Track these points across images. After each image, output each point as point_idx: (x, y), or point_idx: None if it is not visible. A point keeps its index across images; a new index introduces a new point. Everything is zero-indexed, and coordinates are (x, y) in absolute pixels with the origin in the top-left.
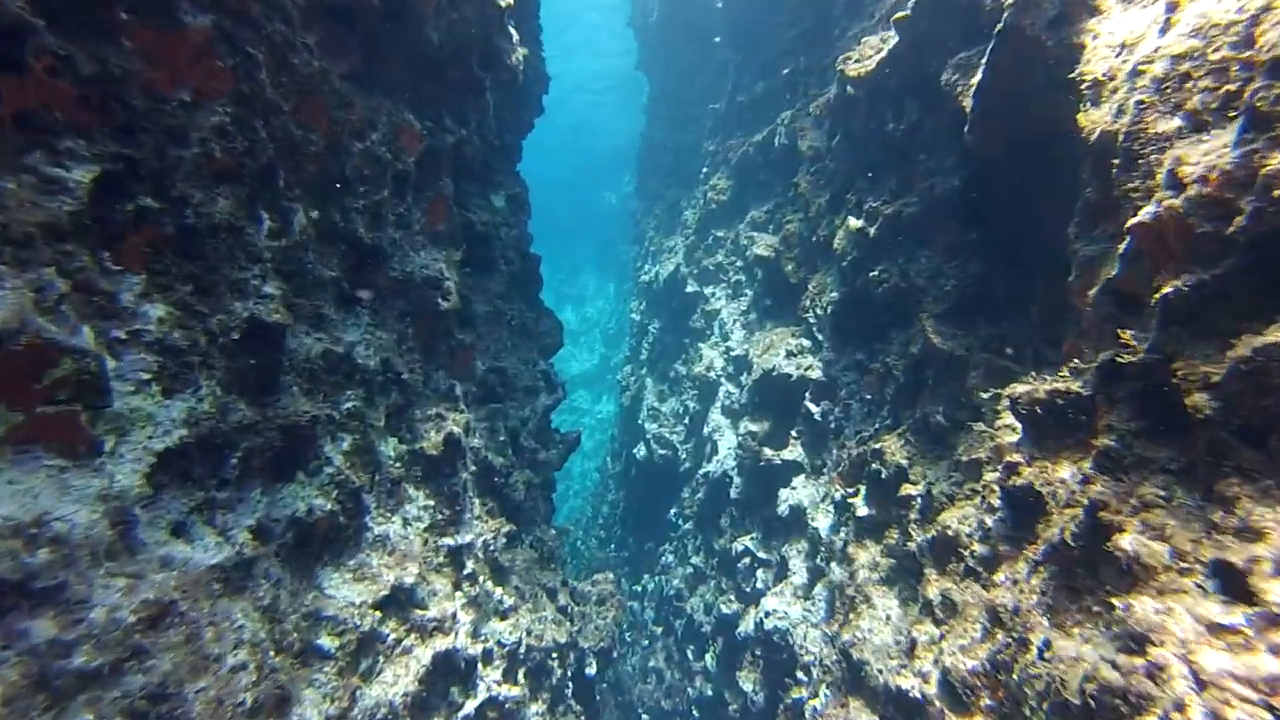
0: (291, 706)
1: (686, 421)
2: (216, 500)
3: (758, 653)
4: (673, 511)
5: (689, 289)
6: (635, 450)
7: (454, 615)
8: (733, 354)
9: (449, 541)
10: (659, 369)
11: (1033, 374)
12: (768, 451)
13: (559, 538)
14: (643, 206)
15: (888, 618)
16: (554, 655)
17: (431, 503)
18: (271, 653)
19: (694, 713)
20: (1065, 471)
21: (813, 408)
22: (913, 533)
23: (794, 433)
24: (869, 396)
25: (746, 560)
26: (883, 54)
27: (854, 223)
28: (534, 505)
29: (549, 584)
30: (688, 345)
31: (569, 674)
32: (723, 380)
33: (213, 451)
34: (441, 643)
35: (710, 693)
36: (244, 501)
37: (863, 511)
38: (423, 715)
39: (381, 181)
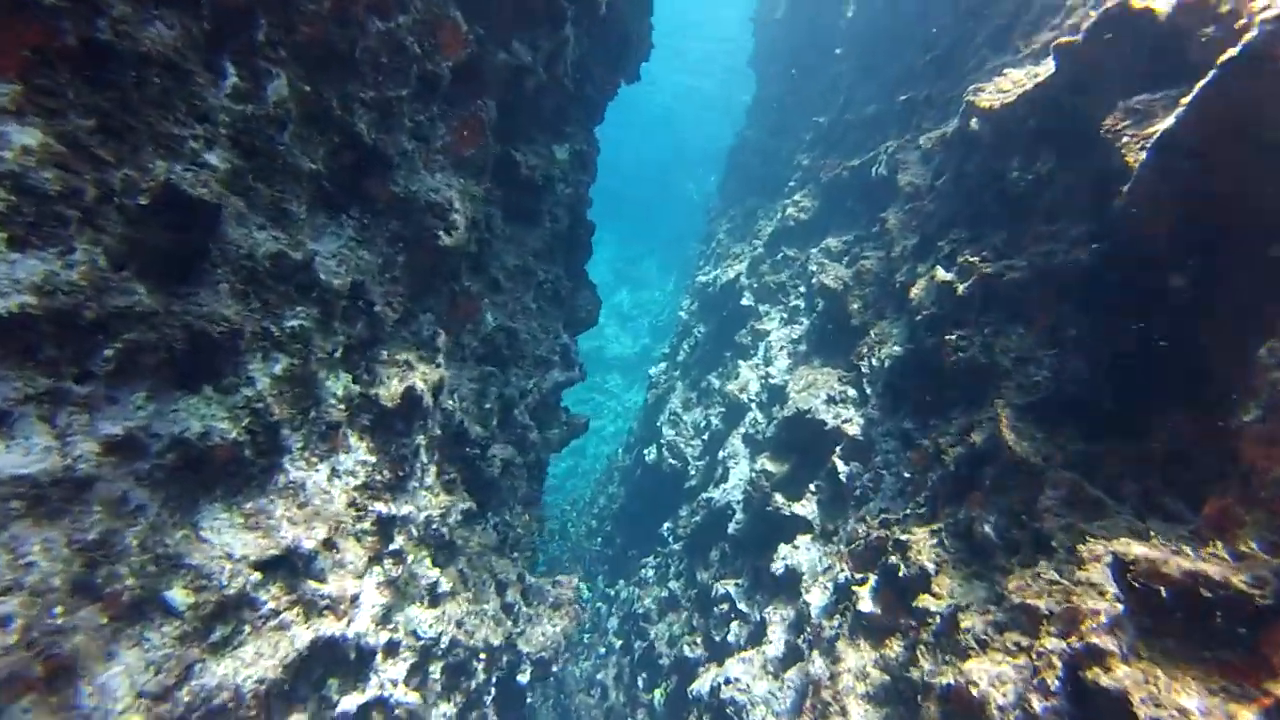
0: (77, 677)
1: (705, 437)
2: (69, 394)
3: (705, 719)
4: (666, 525)
5: (744, 301)
6: (646, 451)
7: (356, 597)
8: (771, 381)
9: (381, 508)
10: (692, 375)
11: (1153, 533)
12: (779, 498)
13: (532, 525)
14: (719, 206)
15: None
16: (481, 655)
17: (373, 459)
18: (59, 608)
19: None
20: (1191, 701)
21: (840, 466)
22: (921, 658)
23: (813, 486)
24: (907, 475)
25: (724, 607)
26: (1028, 88)
27: (942, 274)
28: (511, 485)
29: (503, 575)
30: (728, 359)
31: (493, 679)
32: (752, 406)
33: (76, 334)
34: (329, 626)
35: None
36: (115, 404)
37: (866, 606)
38: (281, 707)
39: (402, 77)
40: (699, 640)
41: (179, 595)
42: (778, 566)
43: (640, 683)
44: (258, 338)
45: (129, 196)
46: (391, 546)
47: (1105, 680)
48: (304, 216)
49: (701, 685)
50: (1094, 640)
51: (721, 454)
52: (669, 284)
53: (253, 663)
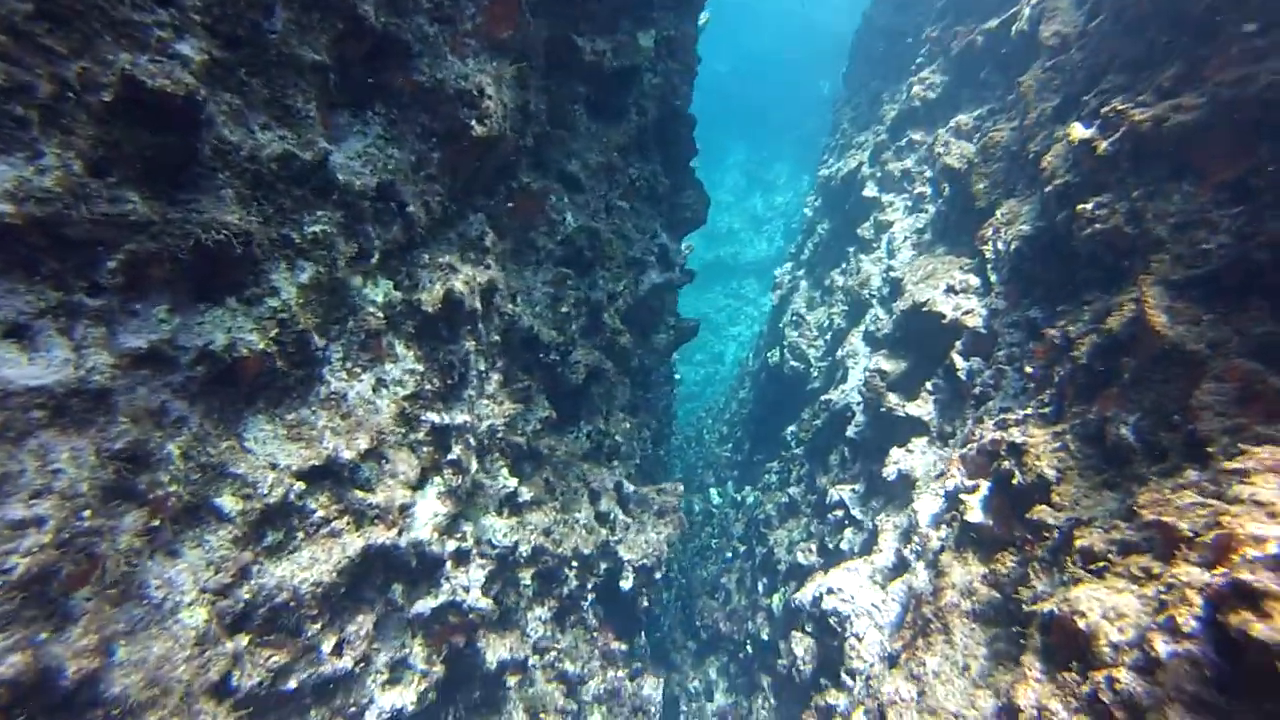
0: (140, 572)
1: (828, 337)
2: (83, 307)
3: (808, 629)
4: (789, 429)
5: (867, 193)
6: (770, 355)
7: (407, 506)
8: (892, 274)
9: (434, 418)
10: (816, 274)
11: None
12: (893, 398)
13: (634, 433)
14: (844, 95)
15: (965, 668)
16: (572, 564)
17: (421, 368)
18: (88, 512)
19: (747, 648)
20: None
21: (959, 362)
22: (1034, 577)
23: (929, 385)
24: (1030, 370)
25: (839, 513)
26: None
27: (1079, 131)
28: (607, 391)
29: (596, 484)
30: (851, 254)
31: (588, 586)
32: (874, 302)
33: (72, 246)
34: (379, 535)
35: (765, 637)
36: (137, 317)
37: (975, 516)
38: (349, 607)
39: None
40: (813, 547)
41: (229, 502)
42: (890, 472)
43: (760, 587)
44: (277, 245)
45: (91, 93)
46: (450, 456)
47: (1257, 630)
48: (313, 114)
49: (805, 595)
50: (1246, 576)
51: (840, 353)
52: (803, 185)
53: (309, 566)
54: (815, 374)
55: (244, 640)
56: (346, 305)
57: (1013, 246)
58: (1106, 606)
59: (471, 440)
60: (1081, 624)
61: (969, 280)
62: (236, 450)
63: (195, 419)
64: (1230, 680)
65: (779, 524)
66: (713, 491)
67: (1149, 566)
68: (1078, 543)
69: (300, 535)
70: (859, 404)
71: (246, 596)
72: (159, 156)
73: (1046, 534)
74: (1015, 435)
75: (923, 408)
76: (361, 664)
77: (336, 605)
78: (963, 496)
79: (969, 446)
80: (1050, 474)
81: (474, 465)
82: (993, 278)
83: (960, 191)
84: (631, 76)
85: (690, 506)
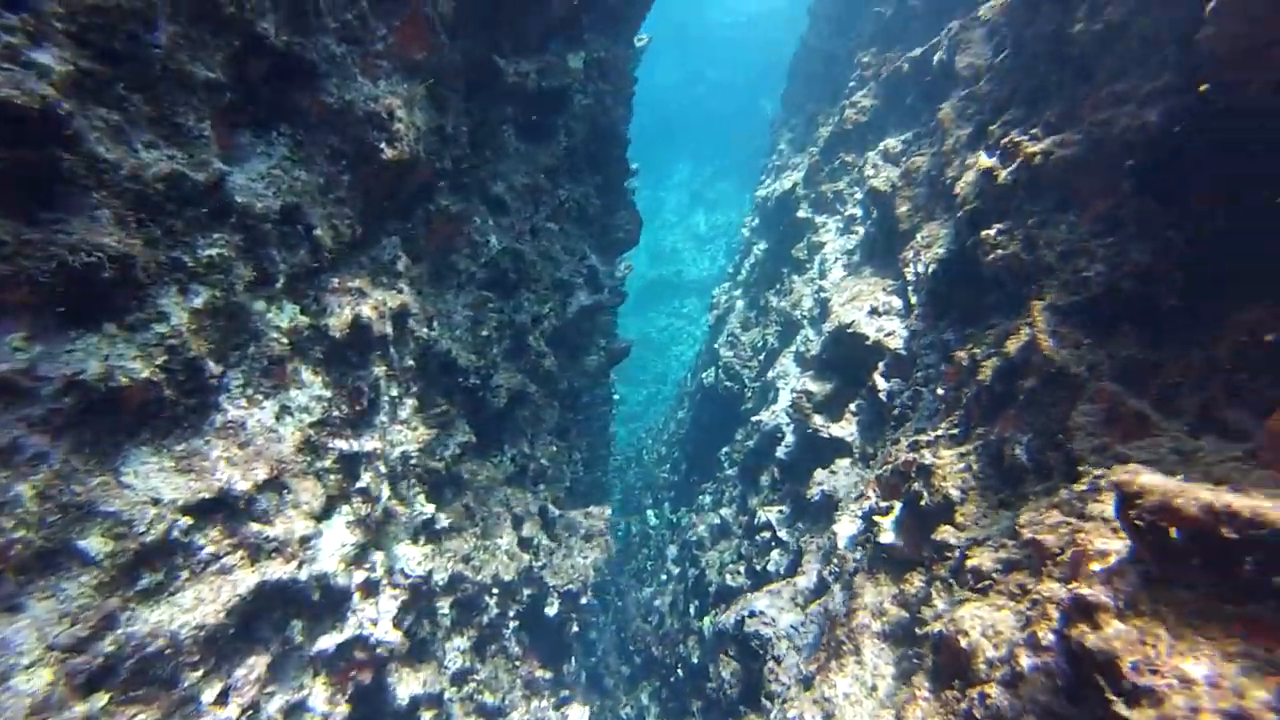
0: None
1: (762, 357)
2: None
3: (732, 652)
4: (724, 450)
5: (801, 213)
6: (705, 375)
7: (307, 538)
8: (823, 296)
9: (342, 445)
10: (752, 294)
11: (1200, 453)
12: (819, 420)
13: (561, 456)
14: (782, 117)
15: (873, 688)
16: (493, 591)
17: (328, 394)
18: None
19: (678, 671)
20: (1198, 668)
21: (881, 383)
22: (936, 596)
23: (853, 406)
24: (942, 391)
25: (767, 534)
26: None
27: (984, 160)
28: (533, 414)
29: (520, 508)
30: (786, 275)
31: (510, 613)
32: (805, 323)
33: None
34: (277, 569)
35: (696, 661)
36: None
37: (887, 537)
38: (241, 648)
39: None
40: (742, 569)
41: (95, 543)
42: (814, 493)
43: (692, 610)
44: (166, 269)
45: None
46: (359, 484)
47: (1091, 640)
48: (207, 134)
49: (729, 618)
50: (1085, 590)
51: (772, 374)
52: (745, 203)
53: (191, 608)
54: (749, 394)
55: (102, 700)
56: (248, 330)
57: (930, 269)
58: (986, 624)
59: (383, 468)
60: (964, 642)
61: (891, 302)
62: (111, 486)
63: (59, 454)
64: (1076, 689)
65: (711, 546)
66: (649, 513)
67: (1025, 583)
68: (969, 562)
69: (185, 574)
70: (788, 425)
71: (110, 649)
72: (15, 173)
73: (949, 554)
74: (925, 456)
75: (846, 429)
76: (249, 712)
77: (224, 649)
78: (876, 518)
79: (884, 468)
80: (955, 494)
81: (386, 493)
82: (913, 299)
83: (886, 214)
84: (561, 97)
85: (627, 529)
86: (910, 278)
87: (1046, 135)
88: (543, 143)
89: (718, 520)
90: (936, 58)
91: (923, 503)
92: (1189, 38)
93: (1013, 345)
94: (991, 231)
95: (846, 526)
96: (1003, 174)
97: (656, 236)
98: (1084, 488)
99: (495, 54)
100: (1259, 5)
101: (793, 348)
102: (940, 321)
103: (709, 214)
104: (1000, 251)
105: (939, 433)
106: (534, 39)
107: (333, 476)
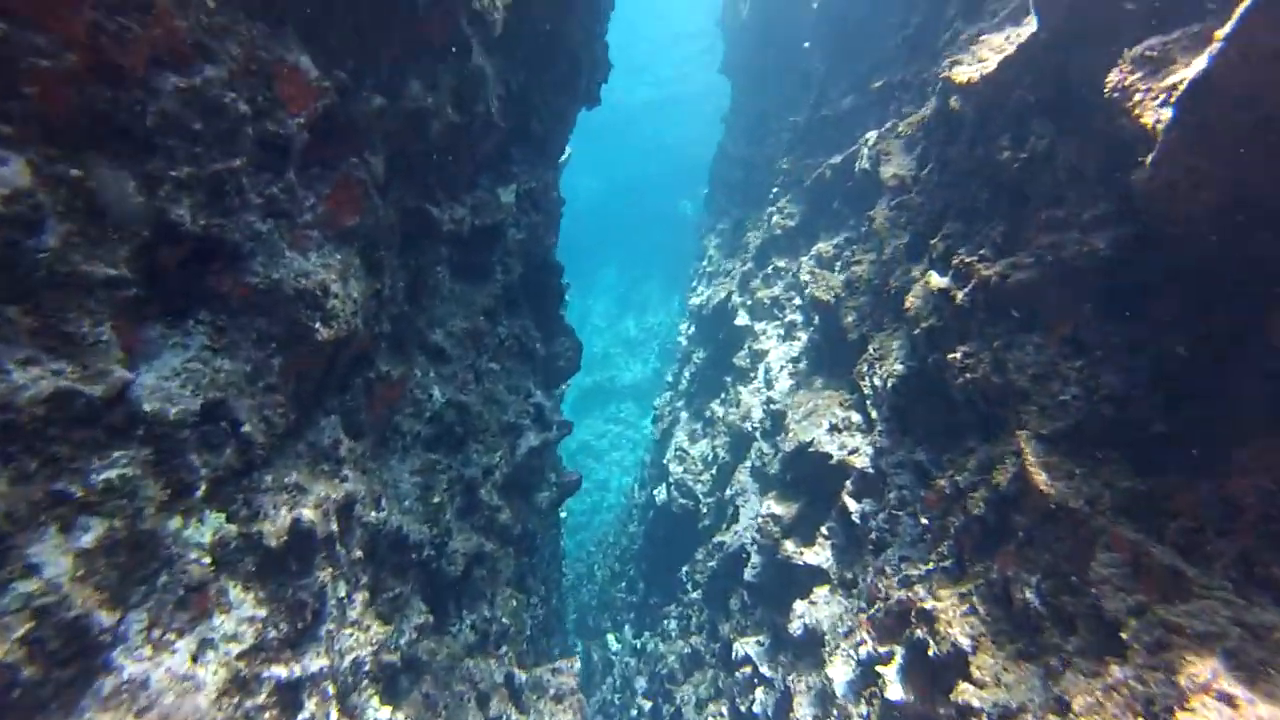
0: None
1: (714, 471)
2: None
3: None
4: (684, 570)
5: (739, 321)
6: (656, 491)
7: None
8: (773, 407)
9: (280, 672)
10: (695, 405)
11: (1259, 620)
12: (789, 545)
13: (520, 605)
14: (708, 222)
15: None
16: None
17: (263, 612)
18: None
19: None
20: None
21: (851, 504)
22: None
23: (824, 529)
24: (925, 520)
25: (747, 670)
26: (1009, 52)
27: (936, 280)
28: (490, 572)
29: (484, 683)
30: (729, 384)
31: None
32: (757, 435)
33: None
34: None
35: None
36: None
37: (894, 693)
38: None
39: (229, 145)
40: (724, 710)
41: None
42: (796, 627)
43: None
44: (42, 507)
45: None
46: (302, 715)
47: None
48: (106, 337)
49: None
50: None
51: (729, 492)
52: (673, 305)
53: None
54: (705, 510)
55: None
56: (158, 559)
57: (889, 384)
58: None
59: (330, 688)
60: None
61: (850, 417)
62: None
63: None
64: None
65: (684, 678)
66: (610, 638)
67: None
68: None
69: None
70: (754, 545)
71: None
72: None
73: (974, 718)
74: (923, 596)
75: (820, 554)
76: None
77: None
78: (879, 668)
79: (876, 606)
80: (965, 643)
81: (334, 714)
82: (873, 414)
83: (831, 323)
84: (495, 234)
85: (587, 653)
86: (868, 391)
87: (997, 258)
88: (479, 283)
89: (688, 649)
90: (858, 165)
91: (930, 652)
92: (1116, 165)
93: (1001, 477)
94: (958, 355)
95: (841, 670)
96: (959, 295)
97: (588, 343)
98: (1140, 664)
99: (428, 202)
100: (1203, 155)
101: (748, 462)
102: (906, 438)
103: (638, 317)
104: (970, 375)
105: (930, 566)
106: (464, 178)
107: (268, 714)
